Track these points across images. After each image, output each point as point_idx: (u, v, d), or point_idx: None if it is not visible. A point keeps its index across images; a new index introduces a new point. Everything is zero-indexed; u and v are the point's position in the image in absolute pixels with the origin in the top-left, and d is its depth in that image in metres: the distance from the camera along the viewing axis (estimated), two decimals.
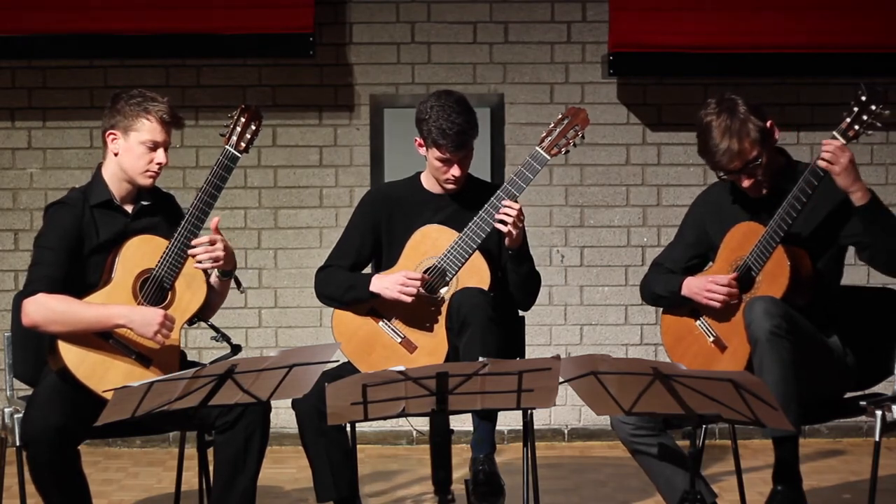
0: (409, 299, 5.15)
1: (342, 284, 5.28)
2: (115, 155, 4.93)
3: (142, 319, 4.79)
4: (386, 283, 5.18)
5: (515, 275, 5.27)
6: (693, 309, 5.07)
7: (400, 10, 7.41)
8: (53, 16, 7.04)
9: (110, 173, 4.96)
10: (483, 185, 5.42)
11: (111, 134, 4.92)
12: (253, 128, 5.02)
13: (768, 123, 4.95)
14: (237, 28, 7.09)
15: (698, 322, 5.07)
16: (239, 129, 5.00)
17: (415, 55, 7.42)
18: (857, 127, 4.80)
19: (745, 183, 4.95)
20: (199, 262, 4.88)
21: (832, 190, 4.88)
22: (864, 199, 4.80)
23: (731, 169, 4.92)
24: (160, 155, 4.91)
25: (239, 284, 5.08)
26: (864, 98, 4.79)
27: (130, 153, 4.90)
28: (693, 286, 5.02)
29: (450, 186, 5.29)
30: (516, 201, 5.15)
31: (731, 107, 4.92)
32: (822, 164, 4.78)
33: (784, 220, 4.85)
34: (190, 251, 4.87)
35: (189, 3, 7.08)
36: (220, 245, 4.91)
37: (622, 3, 7.18)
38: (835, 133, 4.81)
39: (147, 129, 4.88)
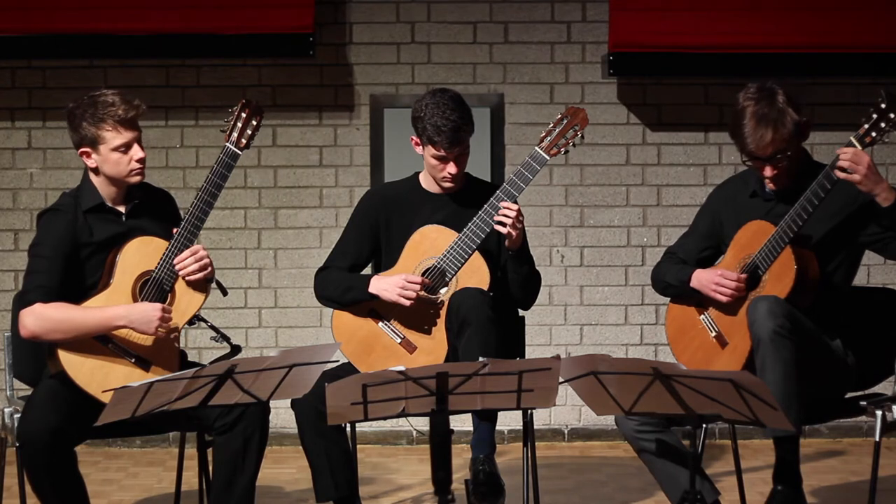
0: (407, 302, 5.14)
1: (341, 285, 5.28)
2: (96, 168, 4.92)
3: (141, 317, 4.79)
4: (385, 286, 5.18)
5: (516, 275, 5.26)
6: (699, 302, 5.08)
7: (400, 10, 7.41)
8: (53, 16, 7.04)
9: (98, 179, 4.95)
10: (482, 185, 5.41)
11: (83, 153, 4.91)
12: (254, 123, 5.00)
13: (803, 120, 4.95)
14: (237, 28, 7.09)
15: (702, 316, 5.08)
16: (240, 125, 4.99)
17: (415, 55, 7.42)
18: (874, 134, 4.81)
19: (768, 172, 4.94)
20: (190, 273, 4.87)
21: (847, 193, 4.88)
22: (890, 200, 4.80)
23: (759, 156, 4.92)
24: (136, 151, 4.88)
25: (223, 290, 5.07)
26: (883, 105, 4.79)
27: (108, 162, 4.88)
28: (702, 278, 5.04)
29: (447, 185, 5.28)
30: (516, 202, 5.15)
31: (771, 95, 4.92)
32: (840, 174, 4.78)
33: (795, 221, 4.86)
34: (177, 267, 4.86)
35: (189, 3, 7.08)
36: (203, 252, 4.90)
37: (622, 3, 7.18)
38: (851, 138, 4.81)
39: (111, 136, 4.84)
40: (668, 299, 5.23)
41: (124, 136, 4.85)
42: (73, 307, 4.80)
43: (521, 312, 5.49)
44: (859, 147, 4.81)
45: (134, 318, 4.79)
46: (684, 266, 5.15)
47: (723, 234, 5.13)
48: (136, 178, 4.92)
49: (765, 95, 4.93)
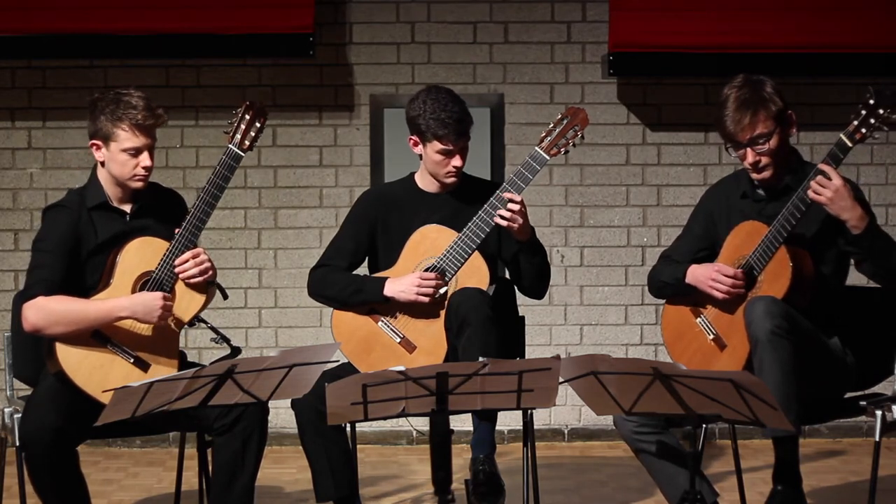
0: (426, 300, 5.15)
1: (348, 287, 5.26)
2: (102, 164, 4.92)
3: (144, 308, 4.79)
4: (401, 287, 5.17)
5: (529, 265, 5.26)
6: (695, 304, 5.07)
7: (400, 10, 7.41)
8: (53, 16, 7.04)
9: (104, 176, 4.96)
10: (479, 183, 5.40)
11: (94, 144, 4.91)
12: (257, 125, 5.00)
13: (788, 111, 4.96)
14: (237, 28, 7.09)
15: (699, 319, 5.07)
16: (243, 126, 4.99)
17: (415, 55, 7.42)
18: (864, 130, 4.82)
19: (750, 157, 4.94)
20: (190, 276, 4.87)
21: None
22: (859, 228, 4.82)
23: (740, 140, 4.92)
24: (144, 159, 4.88)
25: (224, 293, 5.07)
26: (872, 101, 4.80)
27: (114, 162, 4.89)
28: (698, 274, 5.03)
29: (450, 180, 5.28)
30: None
31: (756, 84, 4.94)
32: (811, 195, 4.80)
33: (788, 220, 4.86)
34: (177, 269, 4.86)
35: (189, 3, 7.08)
36: (204, 256, 4.90)
37: (622, 3, 7.18)
38: (841, 135, 4.81)
39: (124, 138, 4.85)
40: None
41: (137, 140, 4.86)
42: (75, 299, 4.80)
43: (521, 312, 5.50)
44: (849, 144, 4.82)
45: (137, 310, 4.80)
46: (679, 264, 5.14)
47: (716, 234, 5.13)
48: (138, 185, 4.92)
49: (749, 83, 4.95)
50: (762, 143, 4.92)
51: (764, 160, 4.95)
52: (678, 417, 4.38)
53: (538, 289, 5.37)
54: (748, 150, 4.94)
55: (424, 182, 5.37)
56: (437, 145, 5.21)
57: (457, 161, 5.24)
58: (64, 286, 4.83)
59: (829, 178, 4.80)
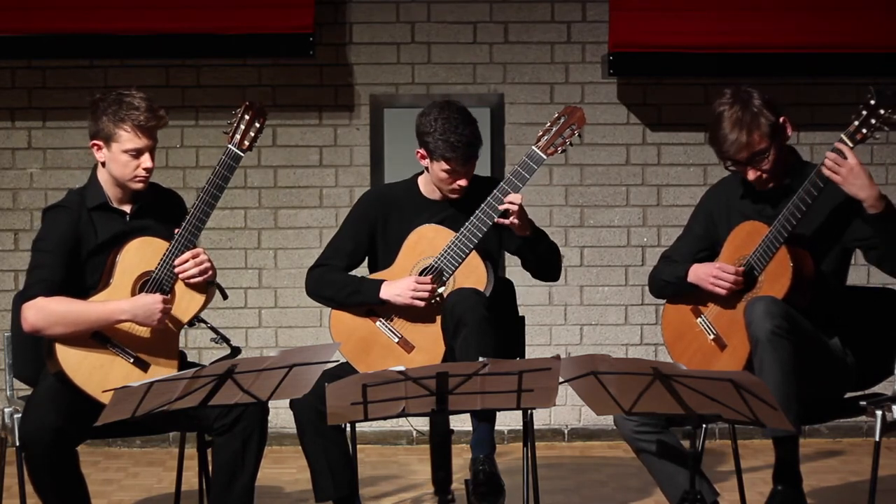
0: (422, 304, 5.14)
1: (345, 288, 5.26)
2: (103, 164, 4.92)
3: (144, 312, 4.79)
4: (397, 290, 5.17)
5: (534, 256, 5.28)
6: (696, 304, 5.07)
7: (400, 10, 7.41)
8: (53, 16, 7.04)
9: (104, 177, 4.96)
10: (479, 184, 5.38)
11: (94, 144, 4.91)
12: (257, 125, 5.00)
13: (781, 119, 4.95)
14: (237, 28, 7.09)
15: (699, 319, 5.07)
16: (243, 126, 4.99)
17: (415, 55, 7.42)
18: (864, 130, 4.79)
19: (751, 175, 4.95)
20: (189, 277, 4.87)
21: (838, 191, 4.87)
22: (877, 208, 4.77)
23: (738, 160, 4.92)
24: (145, 160, 4.88)
25: (224, 293, 5.06)
26: (872, 102, 4.79)
27: (115, 162, 4.89)
28: (700, 272, 5.02)
29: (454, 196, 5.28)
30: None
31: (746, 99, 4.92)
32: (826, 172, 4.77)
33: (788, 220, 4.86)
34: (176, 269, 4.86)
35: (189, 3, 7.08)
36: (204, 256, 4.90)
37: (622, 3, 7.18)
38: (842, 136, 4.80)
39: (126, 138, 4.85)
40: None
41: (139, 141, 4.86)
42: (76, 301, 4.80)
43: (521, 312, 5.50)
44: (850, 144, 4.80)
45: (138, 313, 4.80)
46: (681, 264, 5.14)
47: (717, 235, 5.13)
48: (139, 186, 4.92)
49: (739, 99, 4.93)
50: (759, 159, 4.92)
51: (765, 175, 4.95)
52: (678, 417, 4.38)
53: (550, 274, 5.40)
54: (749, 168, 4.94)
55: (427, 188, 5.36)
56: (444, 165, 5.21)
57: (462, 181, 5.23)
58: (64, 286, 4.83)
59: (844, 157, 4.77)
